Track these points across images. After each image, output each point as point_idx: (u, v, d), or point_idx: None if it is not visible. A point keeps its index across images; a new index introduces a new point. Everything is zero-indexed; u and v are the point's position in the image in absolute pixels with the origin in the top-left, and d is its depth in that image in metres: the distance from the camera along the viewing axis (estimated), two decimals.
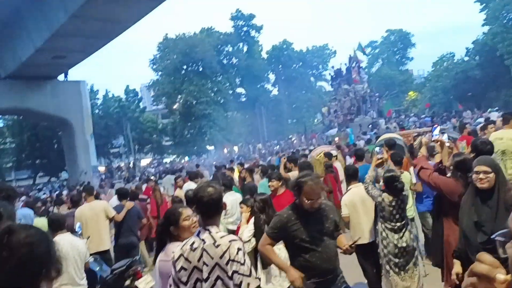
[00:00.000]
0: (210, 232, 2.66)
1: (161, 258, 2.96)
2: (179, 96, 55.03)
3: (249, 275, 2.55)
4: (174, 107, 55.87)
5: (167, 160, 61.33)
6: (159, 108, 62.94)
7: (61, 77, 34.57)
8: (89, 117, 36.61)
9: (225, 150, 50.62)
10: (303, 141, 31.40)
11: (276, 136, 47.99)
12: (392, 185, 4.55)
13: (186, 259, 2.65)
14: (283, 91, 62.75)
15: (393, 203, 4.59)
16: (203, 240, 2.65)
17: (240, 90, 60.56)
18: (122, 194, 8.15)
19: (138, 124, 56.87)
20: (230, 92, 57.84)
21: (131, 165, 43.63)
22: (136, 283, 5.54)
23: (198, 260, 2.62)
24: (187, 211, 2.99)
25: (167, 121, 62.90)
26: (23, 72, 30.31)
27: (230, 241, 2.62)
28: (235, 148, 50.99)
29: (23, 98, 31.68)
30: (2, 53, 29.07)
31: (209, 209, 2.67)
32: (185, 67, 53.95)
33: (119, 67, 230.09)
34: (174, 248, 2.85)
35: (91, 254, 6.68)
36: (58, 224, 4.61)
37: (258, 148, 35.16)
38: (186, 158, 54.76)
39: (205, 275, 2.58)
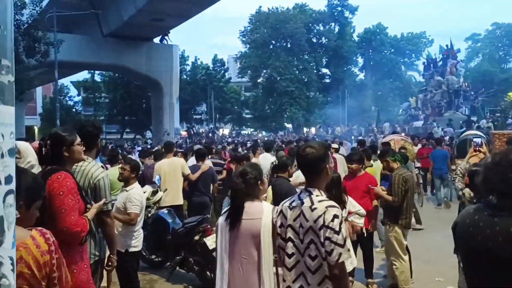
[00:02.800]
0: (310, 194, 2.65)
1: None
2: (264, 71, 54.85)
3: (342, 246, 2.50)
4: (258, 80, 56.11)
5: (245, 132, 62.41)
6: (243, 80, 63.81)
7: (156, 40, 36.31)
8: (177, 81, 38.10)
9: (305, 130, 50.31)
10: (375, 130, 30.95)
11: (356, 122, 46.77)
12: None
13: (284, 215, 2.73)
14: (370, 76, 60.39)
15: (474, 200, 4.43)
16: (301, 201, 2.66)
17: (325, 70, 59.33)
18: (200, 155, 8.35)
19: (222, 94, 58.18)
20: (315, 71, 56.74)
21: (210, 132, 45.01)
22: (205, 239, 5.82)
23: (294, 220, 2.67)
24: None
25: (249, 94, 63.66)
26: (123, 31, 32.06)
27: (327, 207, 2.57)
28: (313, 130, 50.42)
29: (120, 56, 33.64)
30: (107, 11, 30.95)
31: (309, 169, 2.70)
32: (273, 42, 53.92)
33: (210, 37, 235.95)
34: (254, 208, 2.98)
35: (165, 207, 7.06)
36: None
37: (337, 131, 34.48)
38: (264, 133, 55.27)
39: (300, 236, 2.62)
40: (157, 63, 35.39)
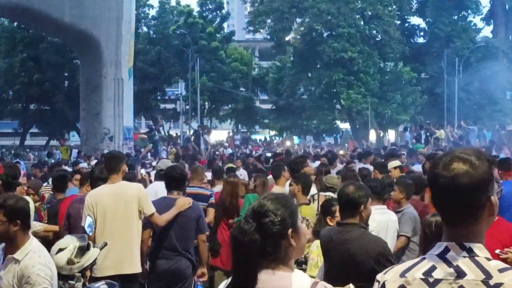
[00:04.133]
0: (472, 256, 2.68)
1: None
2: (298, 20, 54.12)
3: None
4: (287, 38, 55.02)
5: (258, 137, 62.15)
6: (257, 38, 63.88)
7: None
8: (131, 37, 38.13)
9: (373, 133, 49.71)
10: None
11: (478, 120, 45.35)
12: None
13: None
14: (504, 33, 59.19)
15: None
16: (457, 268, 2.67)
17: (416, 20, 58.48)
18: (174, 179, 8.73)
19: (216, 63, 58.26)
20: (397, 22, 54.10)
21: (192, 136, 44.58)
22: None
23: None
24: None
25: (268, 64, 63.63)
26: None
27: None
28: (391, 134, 49.83)
29: None
30: None
31: (459, 205, 2.73)
32: None
33: None
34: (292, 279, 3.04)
35: (105, 277, 7.25)
36: None
37: (440, 136, 33.64)
38: (295, 141, 54.72)
39: None
40: (91, 4, 35.47)
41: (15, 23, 48.53)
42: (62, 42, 44.17)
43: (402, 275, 2.81)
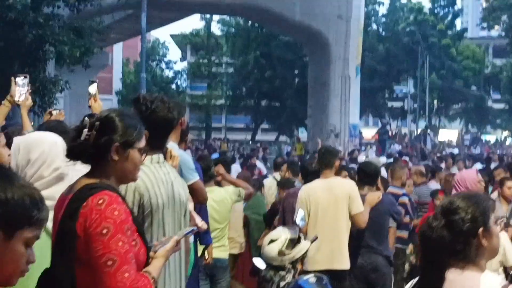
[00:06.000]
0: None
1: None
2: None
3: None
4: None
5: (489, 137, 59.94)
6: (492, 35, 61.46)
7: None
8: (359, 34, 38.23)
9: None
10: None
11: None
12: None
13: None
14: None
15: None
16: None
17: None
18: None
19: (446, 60, 56.83)
20: None
21: (421, 135, 43.85)
22: None
23: None
24: None
25: (503, 61, 61.01)
26: None
27: None
28: None
29: None
30: None
31: None
32: None
33: None
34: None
35: (316, 271, 7.05)
36: None
37: None
38: None
39: None
40: (321, 2, 35.99)
41: (250, 22, 50.20)
42: (293, 40, 45.09)
43: None
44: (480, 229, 3.01)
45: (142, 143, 3.34)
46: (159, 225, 3.99)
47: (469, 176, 8.48)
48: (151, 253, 3.28)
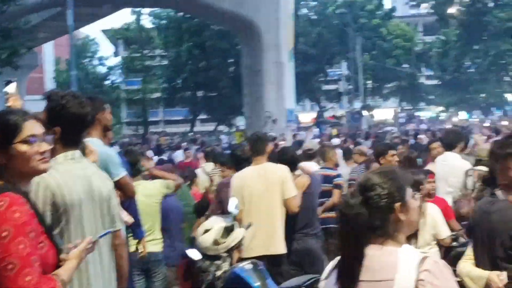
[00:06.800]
0: None
1: None
2: None
3: None
4: (450, 11, 53.26)
5: (424, 113, 60.93)
6: (421, 13, 62.36)
7: None
8: (290, 19, 38.24)
9: None
10: None
11: None
12: None
13: None
14: None
15: None
16: None
17: None
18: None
19: (377, 40, 57.46)
20: None
21: (354, 114, 44.30)
22: None
23: None
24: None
25: (432, 38, 61.98)
26: None
27: None
28: None
29: None
30: None
31: None
32: None
33: None
34: None
35: (251, 258, 7.24)
36: None
37: None
38: (464, 115, 53.39)
39: None
40: None
41: (181, 13, 49.89)
42: (225, 29, 45.02)
43: None
44: (397, 204, 3.03)
45: (28, 131, 3.19)
46: (77, 222, 3.88)
47: None
48: (64, 255, 3.19)
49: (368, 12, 57.17)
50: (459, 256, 6.42)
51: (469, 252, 5.27)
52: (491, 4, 48.25)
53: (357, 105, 50.80)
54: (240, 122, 52.00)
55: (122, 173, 5.37)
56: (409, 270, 2.90)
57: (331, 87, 61.81)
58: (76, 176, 3.95)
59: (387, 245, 3.01)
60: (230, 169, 9.71)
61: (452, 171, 9.19)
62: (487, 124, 35.76)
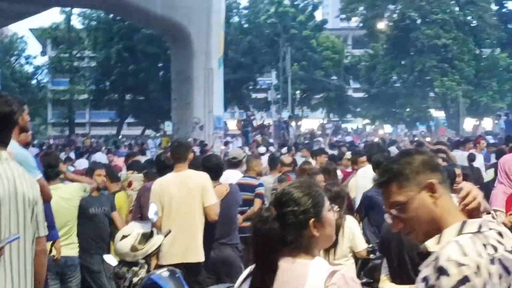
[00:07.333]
0: None
1: None
2: (391, 7, 53.76)
3: None
4: (379, 26, 54.04)
5: (350, 125, 61.60)
6: (351, 26, 63.19)
7: None
8: (221, 27, 38.25)
9: (468, 123, 48.45)
10: None
11: None
12: None
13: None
14: None
15: None
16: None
17: None
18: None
19: (308, 52, 57.92)
20: (493, 7, 53.04)
21: (283, 124, 44.40)
22: None
23: None
24: None
25: (361, 51, 62.90)
26: None
27: None
28: (488, 123, 48.38)
29: None
30: None
31: None
32: None
33: None
34: None
35: (169, 265, 7.30)
36: None
37: None
38: (389, 129, 54.22)
39: None
40: None
41: (111, 15, 49.45)
42: (156, 33, 44.80)
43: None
44: (311, 221, 3.03)
45: None
46: None
47: None
48: None
49: (299, 23, 57.58)
50: (375, 268, 6.53)
51: (385, 271, 5.35)
52: (419, 21, 49.11)
53: (285, 114, 50.95)
54: (168, 127, 51.51)
55: (37, 175, 5.23)
56: (317, 283, 2.89)
57: (261, 95, 61.94)
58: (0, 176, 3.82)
59: (299, 258, 3.01)
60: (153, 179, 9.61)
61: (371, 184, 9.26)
62: (409, 138, 36.27)
